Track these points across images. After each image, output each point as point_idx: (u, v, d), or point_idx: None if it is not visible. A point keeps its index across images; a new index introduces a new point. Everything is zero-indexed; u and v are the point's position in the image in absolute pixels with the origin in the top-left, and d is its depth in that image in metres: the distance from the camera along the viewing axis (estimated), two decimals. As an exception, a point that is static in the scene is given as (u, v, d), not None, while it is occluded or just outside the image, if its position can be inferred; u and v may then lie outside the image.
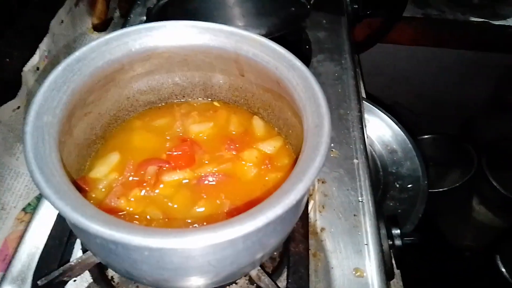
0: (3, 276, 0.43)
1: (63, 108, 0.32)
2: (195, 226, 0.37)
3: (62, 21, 0.74)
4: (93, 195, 0.39)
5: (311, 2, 0.66)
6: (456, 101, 1.39)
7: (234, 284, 0.43)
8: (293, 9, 0.61)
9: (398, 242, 0.49)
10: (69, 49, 0.79)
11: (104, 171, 0.41)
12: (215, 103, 0.48)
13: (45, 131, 0.30)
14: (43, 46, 0.68)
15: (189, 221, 0.38)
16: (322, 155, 0.30)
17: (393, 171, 0.71)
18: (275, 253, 0.45)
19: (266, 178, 0.42)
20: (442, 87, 1.38)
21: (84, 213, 0.25)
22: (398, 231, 0.48)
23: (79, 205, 0.26)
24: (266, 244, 0.32)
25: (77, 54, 0.34)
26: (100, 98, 0.40)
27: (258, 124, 0.47)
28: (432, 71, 1.32)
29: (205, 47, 0.40)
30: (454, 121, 1.49)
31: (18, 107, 0.63)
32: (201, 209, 0.39)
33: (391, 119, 0.74)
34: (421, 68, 1.31)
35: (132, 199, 0.39)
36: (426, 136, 1.53)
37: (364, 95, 0.81)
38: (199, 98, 0.48)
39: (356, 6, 0.80)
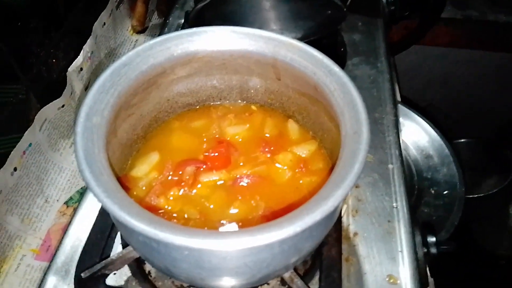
0: (48, 267, 0.45)
1: (110, 110, 0.34)
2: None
3: (104, 24, 0.77)
4: (134, 193, 0.41)
5: (347, 4, 0.66)
6: (493, 105, 1.35)
7: (266, 285, 0.44)
8: (329, 12, 0.61)
9: (433, 250, 0.48)
10: (110, 50, 0.82)
11: (145, 170, 0.42)
12: (252, 106, 0.49)
13: (94, 132, 0.32)
14: (87, 47, 0.71)
15: (225, 221, 0.39)
16: (361, 162, 0.30)
17: (429, 176, 0.69)
18: (307, 256, 0.45)
19: (301, 182, 0.43)
20: (480, 90, 1.33)
21: (130, 212, 0.27)
22: (434, 239, 0.48)
23: (125, 204, 0.28)
24: (301, 248, 0.33)
25: (123, 58, 0.36)
26: (143, 100, 0.41)
27: (293, 128, 0.47)
28: (470, 74, 1.28)
29: (243, 51, 0.41)
30: (491, 126, 1.44)
31: (63, 106, 0.66)
32: (236, 210, 0.40)
33: (427, 123, 0.72)
34: (458, 71, 1.27)
35: (171, 198, 0.40)
36: (461, 140, 1.48)
37: (399, 98, 0.79)
38: (236, 101, 0.49)
39: (393, 8, 0.79)
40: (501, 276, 1.33)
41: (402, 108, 0.73)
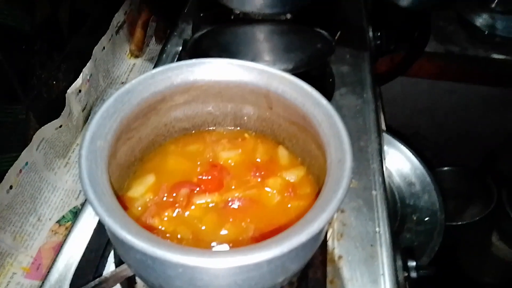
0: (42, 285, 0.46)
1: (113, 134, 0.36)
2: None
3: (103, 48, 0.80)
4: (131, 213, 0.42)
5: (336, 38, 0.70)
6: (477, 134, 1.40)
7: (253, 305, 0.45)
8: (319, 45, 0.65)
9: (413, 274, 0.50)
10: (107, 73, 0.85)
11: (141, 191, 0.44)
12: (245, 134, 0.51)
13: (98, 155, 0.34)
14: (86, 70, 0.74)
15: (215, 243, 0.41)
16: (344, 188, 0.32)
17: (411, 203, 0.72)
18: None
19: (289, 205, 0.45)
20: (464, 120, 1.38)
21: (130, 231, 0.29)
22: (414, 263, 0.50)
23: (126, 223, 0.30)
24: (288, 268, 0.35)
25: (127, 86, 0.39)
26: (142, 124, 0.44)
27: (283, 154, 0.50)
28: (454, 104, 1.33)
29: (238, 82, 0.44)
30: (475, 154, 1.49)
31: (61, 126, 0.68)
32: (227, 232, 0.42)
33: (410, 152, 0.76)
34: (443, 101, 1.33)
35: (165, 218, 0.42)
36: (446, 168, 1.53)
37: (384, 127, 0.83)
38: (229, 127, 0.52)
39: (379, 42, 0.84)
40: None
41: (386, 137, 0.77)
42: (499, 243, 1.42)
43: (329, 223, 0.53)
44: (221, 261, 0.28)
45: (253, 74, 0.44)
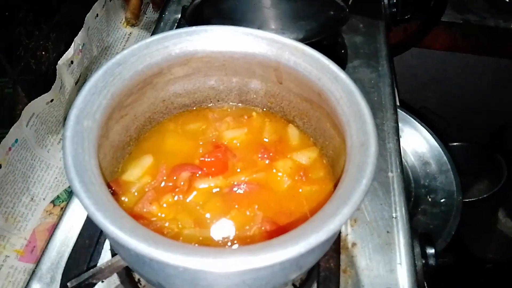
0: (33, 272, 0.43)
1: (102, 112, 0.32)
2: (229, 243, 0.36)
3: (97, 15, 0.74)
4: (126, 199, 0.38)
5: (349, 4, 0.64)
6: (487, 110, 1.35)
7: (260, 296, 0.42)
8: (332, 13, 0.59)
9: (431, 262, 0.47)
10: (102, 43, 0.79)
11: (137, 174, 0.40)
12: (251, 109, 0.47)
13: (85, 137, 0.29)
14: (78, 39, 0.68)
15: (219, 231, 0.37)
16: (369, 177, 0.28)
17: (426, 184, 0.68)
18: (304, 266, 0.44)
19: (300, 190, 0.41)
20: (474, 94, 1.33)
21: (123, 227, 0.25)
22: (433, 251, 0.46)
23: (117, 218, 0.26)
24: (302, 265, 0.31)
25: (118, 57, 0.34)
26: (137, 100, 0.39)
27: (293, 133, 0.45)
28: (465, 78, 1.27)
29: (245, 53, 0.39)
30: (484, 130, 1.44)
31: (52, 100, 0.64)
32: (233, 219, 0.39)
33: (426, 129, 0.71)
34: (454, 74, 1.27)
35: (164, 205, 0.38)
36: (454, 144, 1.48)
37: (397, 102, 0.78)
38: (234, 103, 0.47)
39: (395, 10, 0.77)
40: (487, 279, 1.35)
41: (401, 113, 0.72)
42: (505, 220, 1.40)
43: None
44: (228, 263, 0.24)
45: (262, 43, 0.38)
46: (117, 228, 0.24)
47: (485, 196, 1.32)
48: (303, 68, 0.37)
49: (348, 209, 0.27)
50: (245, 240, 0.37)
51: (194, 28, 0.38)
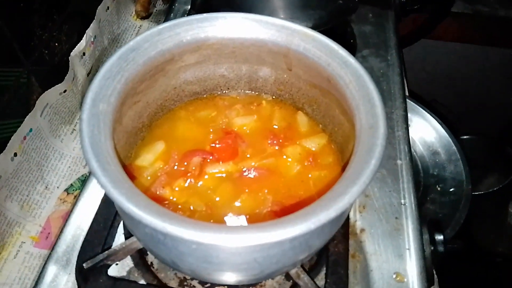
0: (49, 255, 0.44)
1: (117, 96, 0.33)
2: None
3: (108, 8, 0.75)
4: (139, 183, 0.39)
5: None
6: (497, 102, 1.33)
7: (270, 279, 0.43)
8: (341, 2, 0.59)
9: (440, 248, 0.47)
10: (113, 35, 0.80)
11: (150, 159, 0.41)
12: (261, 97, 0.47)
13: (101, 119, 0.30)
14: (90, 31, 0.69)
15: (231, 214, 0.38)
16: (377, 158, 0.29)
17: (435, 173, 0.68)
18: (313, 251, 0.44)
19: (309, 176, 0.42)
20: (485, 87, 1.32)
21: (138, 204, 0.26)
22: (442, 237, 0.47)
23: (133, 195, 0.26)
24: (312, 245, 0.32)
25: (131, 43, 0.34)
26: (149, 87, 0.40)
27: (302, 120, 0.46)
28: (476, 70, 1.26)
29: (255, 40, 0.40)
30: (494, 123, 1.43)
31: (65, 91, 0.65)
32: (243, 203, 0.39)
33: (435, 119, 0.71)
34: (464, 66, 1.26)
35: (177, 188, 0.39)
36: (464, 137, 1.47)
37: (407, 92, 0.78)
38: (243, 91, 0.48)
39: (404, 0, 0.77)
40: (497, 273, 1.34)
41: (409, 103, 0.72)
42: (515, 214, 1.38)
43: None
44: (240, 239, 0.25)
45: (272, 30, 0.39)
46: (132, 205, 0.25)
47: (495, 189, 1.31)
48: (312, 53, 0.38)
49: (357, 188, 0.27)
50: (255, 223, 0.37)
51: (205, 15, 0.38)
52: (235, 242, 0.24)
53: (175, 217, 0.26)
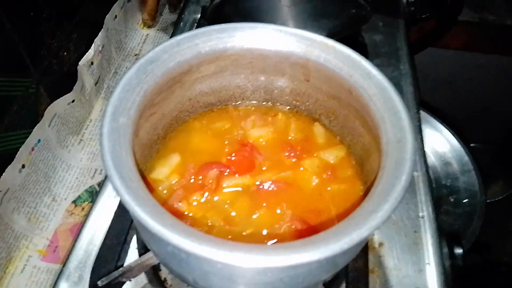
0: (61, 271, 0.43)
1: (136, 109, 0.32)
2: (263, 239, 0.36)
3: (116, 16, 0.75)
4: (156, 196, 0.38)
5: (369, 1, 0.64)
6: (502, 111, 1.33)
7: (288, 295, 0.42)
8: (354, 11, 0.58)
9: (459, 262, 0.46)
10: (120, 44, 0.79)
11: (165, 172, 0.40)
12: (276, 108, 0.47)
13: (121, 134, 0.29)
14: (98, 41, 0.69)
15: (250, 230, 0.37)
16: (408, 173, 0.28)
17: (448, 184, 0.67)
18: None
19: (328, 189, 0.41)
20: (488, 95, 1.31)
21: (164, 223, 0.25)
22: (461, 251, 0.46)
23: (158, 214, 0.25)
24: (337, 263, 0.31)
25: (150, 55, 0.34)
26: (166, 99, 0.39)
27: (319, 131, 0.45)
28: (479, 78, 1.26)
29: (274, 51, 0.39)
30: (498, 131, 1.42)
31: (73, 101, 0.64)
32: (262, 218, 0.38)
33: (447, 129, 0.70)
34: (468, 75, 1.25)
35: (194, 203, 0.38)
36: (470, 145, 1.46)
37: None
38: (259, 102, 0.47)
39: (413, 9, 0.77)
40: (502, 283, 1.32)
41: (421, 113, 0.71)
42: (520, 223, 1.37)
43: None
44: (274, 260, 0.23)
45: (291, 41, 0.38)
46: (159, 224, 0.24)
47: (500, 198, 1.30)
48: (333, 65, 0.37)
49: (390, 205, 0.26)
50: (275, 239, 0.36)
51: (223, 25, 0.37)
52: (269, 263, 0.23)
53: (204, 238, 0.25)
